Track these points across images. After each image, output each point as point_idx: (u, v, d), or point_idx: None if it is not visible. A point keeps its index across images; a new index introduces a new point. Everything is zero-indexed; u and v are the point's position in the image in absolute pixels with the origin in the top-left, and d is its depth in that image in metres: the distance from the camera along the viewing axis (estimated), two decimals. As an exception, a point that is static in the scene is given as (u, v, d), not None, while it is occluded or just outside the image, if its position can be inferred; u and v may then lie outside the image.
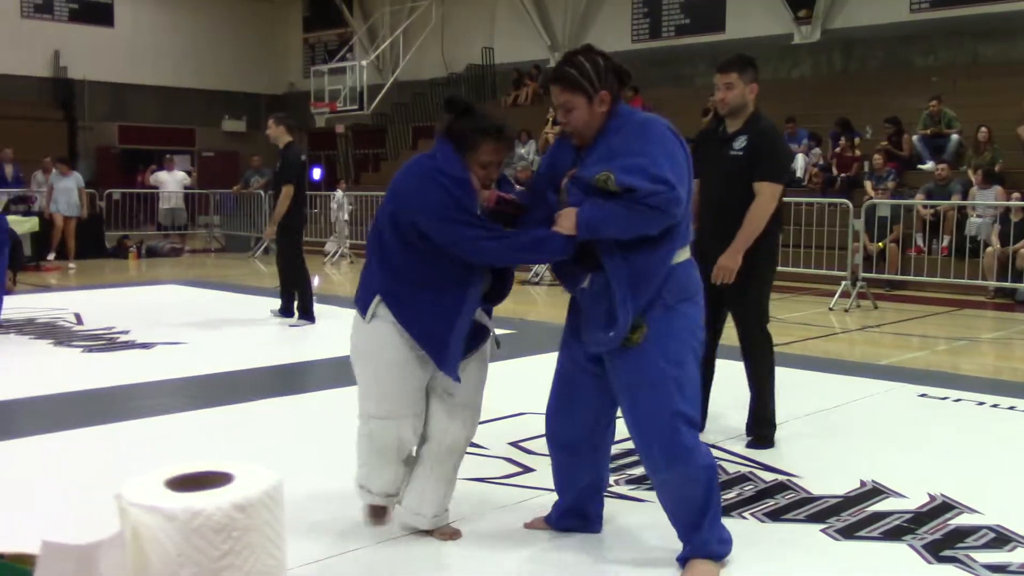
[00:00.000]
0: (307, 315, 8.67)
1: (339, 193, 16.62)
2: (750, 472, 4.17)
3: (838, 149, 13.70)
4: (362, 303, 3.47)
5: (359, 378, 3.53)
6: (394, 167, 21.13)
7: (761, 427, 4.64)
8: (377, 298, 3.38)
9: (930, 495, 3.85)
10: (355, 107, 21.95)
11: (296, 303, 8.73)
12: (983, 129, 12.42)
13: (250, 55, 27.18)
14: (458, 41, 23.17)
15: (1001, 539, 3.39)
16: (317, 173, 21.42)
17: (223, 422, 5.04)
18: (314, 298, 8.89)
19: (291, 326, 8.56)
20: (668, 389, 2.97)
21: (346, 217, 16.54)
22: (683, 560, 3.08)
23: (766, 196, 4.40)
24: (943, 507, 3.72)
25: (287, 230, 8.55)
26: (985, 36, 15.95)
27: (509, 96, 21.71)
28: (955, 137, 13.00)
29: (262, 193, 17.78)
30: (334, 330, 8.79)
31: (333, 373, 6.44)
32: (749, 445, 4.58)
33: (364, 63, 22.16)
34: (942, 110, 13.27)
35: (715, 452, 4.42)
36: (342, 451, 4.49)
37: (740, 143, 4.47)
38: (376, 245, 3.35)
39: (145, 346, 7.34)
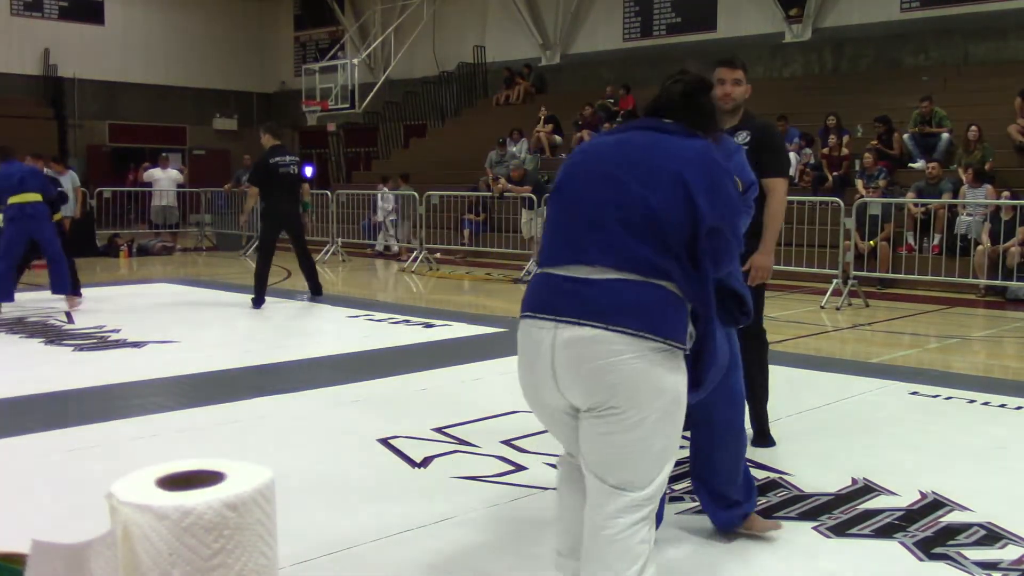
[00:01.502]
0: (257, 299, 9.65)
1: (386, 191, 16.27)
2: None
3: (827, 149, 13.73)
4: (671, 327, 2.47)
5: (665, 436, 2.48)
6: (385, 166, 21.16)
7: (762, 425, 4.65)
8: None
9: (921, 493, 3.86)
10: (346, 105, 21.91)
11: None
12: (973, 128, 12.46)
13: (241, 53, 27.14)
14: (450, 39, 23.15)
15: (992, 536, 3.40)
16: (309, 171, 21.37)
17: (215, 420, 5.03)
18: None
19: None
20: None
21: (393, 217, 16.08)
22: None
23: (781, 191, 4.42)
24: (934, 505, 3.73)
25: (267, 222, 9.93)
26: (975, 35, 15.99)
27: (500, 95, 21.72)
28: (945, 136, 13.03)
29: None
30: (325, 330, 8.79)
31: (325, 372, 6.43)
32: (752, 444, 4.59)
33: (355, 61, 22.12)
34: (933, 109, 13.30)
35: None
36: (334, 449, 4.50)
37: (742, 138, 4.42)
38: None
39: (136, 345, 7.32)
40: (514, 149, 17.17)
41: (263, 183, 9.78)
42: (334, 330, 8.62)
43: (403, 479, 4.05)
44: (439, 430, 4.77)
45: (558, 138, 18.22)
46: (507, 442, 4.56)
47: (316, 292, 10.15)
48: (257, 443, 4.60)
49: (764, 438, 4.60)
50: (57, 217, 9.61)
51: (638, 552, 2.43)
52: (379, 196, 16.08)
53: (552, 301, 2.51)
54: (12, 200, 8.93)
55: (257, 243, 16.91)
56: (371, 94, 22.18)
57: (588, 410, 2.46)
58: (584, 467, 2.54)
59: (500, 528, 3.47)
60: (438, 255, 15.30)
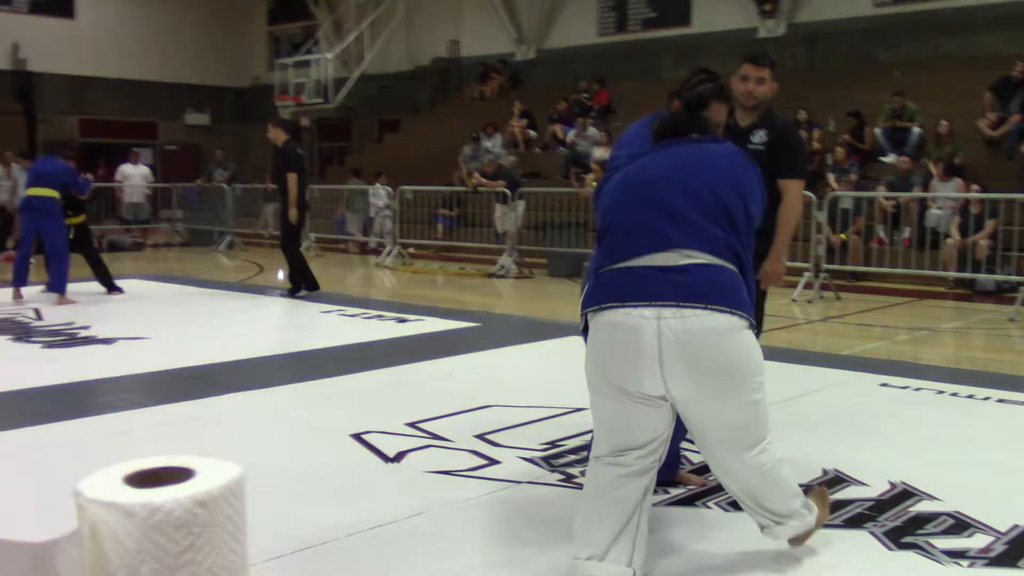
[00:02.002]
0: (311, 286, 10.05)
1: (379, 187, 16.02)
2: (714, 462, 4.19)
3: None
4: (745, 303, 2.79)
5: (760, 402, 2.83)
6: (359, 161, 21.08)
7: None
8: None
9: (891, 483, 3.89)
10: (320, 100, 21.82)
11: (292, 282, 10.12)
12: (944, 122, 12.56)
13: (214, 48, 26.93)
14: (424, 34, 23.09)
15: (960, 525, 3.44)
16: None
17: (185, 417, 4.99)
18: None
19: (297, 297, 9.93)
20: None
21: (387, 213, 15.70)
22: None
23: (796, 193, 4.33)
24: (903, 495, 3.77)
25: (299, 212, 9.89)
26: (947, 30, 16.12)
27: (475, 89, 21.68)
28: (916, 130, 13.13)
29: (225, 187, 17.65)
30: (297, 325, 8.76)
31: (297, 367, 6.41)
32: None
33: (329, 56, 22.04)
34: (904, 104, 13.40)
35: (682, 441, 4.44)
36: (306, 445, 4.48)
37: (759, 137, 4.34)
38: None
39: (106, 341, 7.26)
40: (488, 144, 17.15)
41: (302, 172, 9.95)
42: (307, 325, 8.59)
43: (376, 474, 4.04)
44: (412, 425, 4.76)
45: (533, 133, 18.22)
46: (481, 436, 4.56)
47: (313, 287, 10.17)
48: (228, 439, 4.57)
49: None
50: (73, 220, 9.77)
51: (790, 482, 2.98)
52: (370, 192, 15.92)
53: (648, 289, 2.68)
54: (26, 192, 9.49)
55: (230, 240, 17.00)
56: (345, 89, 22.09)
57: (692, 394, 2.68)
58: (707, 446, 2.88)
59: (474, 522, 3.47)
60: (411, 250, 15.27)
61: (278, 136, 9.98)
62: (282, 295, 10.19)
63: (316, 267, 13.63)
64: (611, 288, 2.75)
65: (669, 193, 2.81)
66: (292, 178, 9.73)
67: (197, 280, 11.85)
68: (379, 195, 15.74)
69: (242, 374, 6.13)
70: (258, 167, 23.19)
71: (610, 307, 2.72)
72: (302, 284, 10.10)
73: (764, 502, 2.95)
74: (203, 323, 8.51)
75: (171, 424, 4.85)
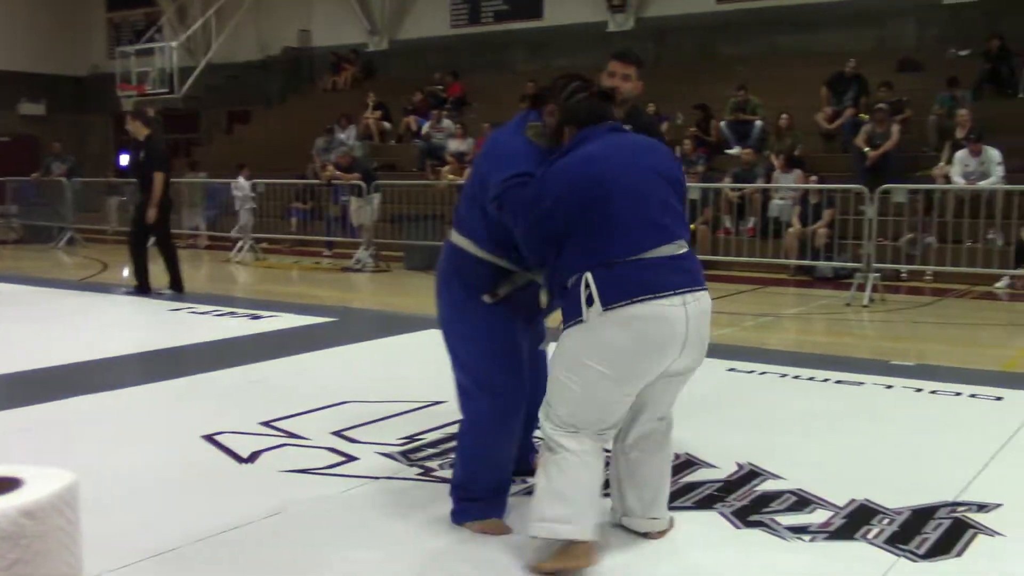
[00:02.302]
0: (142, 288, 9.57)
1: (241, 180, 15.34)
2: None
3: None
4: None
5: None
6: (208, 153, 20.48)
7: None
8: None
9: (738, 464, 4.04)
10: (165, 90, 21.07)
11: (139, 280, 9.63)
12: (784, 116, 13.11)
13: (49, 34, 25.60)
14: (274, 23, 22.57)
15: (802, 502, 3.60)
16: (125, 159, 20.46)
17: (22, 424, 4.74)
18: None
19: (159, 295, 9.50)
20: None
21: (250, 206, 15.11)
22: None
23: None
24: (750, 475, 3.91)
25: (161, 212, 9.50)
26: (787, 27, 16.82)
27: (327, 80, 21.35)
28: (758, 123, 13.65)
29: (64, 180, 16.84)
30: (145, 323, 8.45)
31: (143, 368, 6.18)
32: None
33: (174, 44, 21.31)
34: (747, 97, 13.91)
35: (536, 432, 4.48)
36: (155, 448, 4.32)
37: None
38: None
39: (-66, 345, 6.83)
40: (342, 136, 16.93)
41: (167, 169, 9.65)
42: (155, 324, 8.29)
43: (230, 476, 3.93)
44: (267, 424, 4.66)
45: (387, 124, 18.08)
46: (338, 433, 4.50)
47: (178, 288, 9.70)
48: (69, 445, 4.37)
49: None
50: None
51: None
52: (233, 185, 15.39)
53: (671, 279, 2.88)
54: None
55: (70, 236, 16.23)
56: (191, 78, 21.41)
57: (686, 367, 3.01)
58: (653, 418, 3.16)
59: (331, 521, 3.42)
60: (264, 244, 14.94)
61: (139, 130, 9.58)
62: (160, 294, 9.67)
63: (162, 263, 13.19)
64: (640, 280, 2.85)
65: (655, 184, 3.00)
66: (159, 177, 9.34)
67: (35, 279, 11.26)
68: (242, 188, 15.29)
69: (86, 376, 5.86)
70: (99, 159, 22.25)
71: (642, 300, 2.82)
72: (137, 283, 9.65)
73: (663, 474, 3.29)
74: (42, 323, 8.10)
75: (6, 432, 4.60)
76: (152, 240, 9.78)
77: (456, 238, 3.34)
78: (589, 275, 2.86)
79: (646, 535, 3.25)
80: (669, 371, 2.97)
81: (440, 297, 3.39)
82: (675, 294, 2.87)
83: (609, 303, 2.83)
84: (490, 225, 3.22)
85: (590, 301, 2.85)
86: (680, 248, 2.95)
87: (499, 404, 3.28)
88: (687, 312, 2.88)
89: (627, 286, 2.84)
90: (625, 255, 2.87)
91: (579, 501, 2.92)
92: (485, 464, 3.34)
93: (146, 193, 9.41)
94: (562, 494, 2.91)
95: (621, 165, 2.99)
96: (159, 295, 9.51)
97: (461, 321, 3.32)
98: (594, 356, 2.88)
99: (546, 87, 3.34)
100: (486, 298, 3.24)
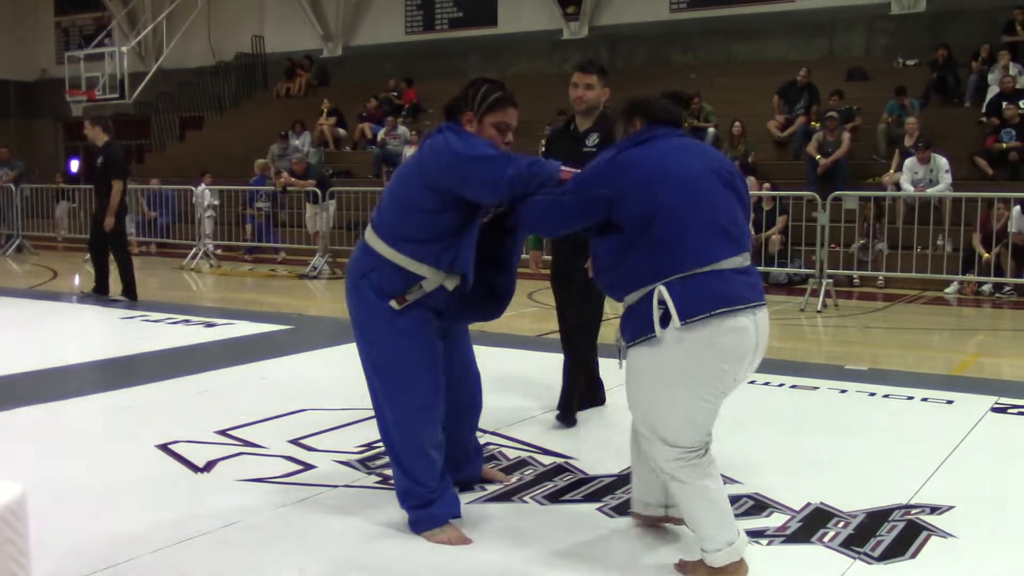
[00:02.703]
0: (101, 290, 9.61)
1: (202, 187, 15.13)
2: (530, 457, 4.26)
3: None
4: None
5: None
6: (160, 159, 20.24)
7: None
8: None
9: (696, 469, 4.06)
10: (116, 95, 20.77)
11: (99, 283, 9.66)
12: (737, 123, 13.24)
13: (-5, 38, 25.17)
14: (226, 28, 22.36)
15: (759, 506, 3.63)
16: (75, 165, 20.15)
17: (-28, 435, 4.64)
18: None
19: (113, 302, 9.43)
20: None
21: (211, 214, 14.98)
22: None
23: None
24: (708, 480, 3.93)
25: (117, 219, 9.46)
26: (738, 36, 17.01)
27: (281, 86, 21.19)
28: (712, 130, 13.78)
29: (12, 187, 16.54)
30: (97, 332, 8.32)
31: (96, 377, 6.08)
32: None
33: (124, 49, 21.01)
34: (701, 105, 14.03)
35: (495, 439, 4.50)
36: (108, 459, 4.25)
37: (593, 140, 4.67)
38: None
39: None
40: (297, 142, 16.82)
41: (126, 176, 9.73)
42: (107, 332, 8.17)
43: (185, 485, 3.88)
44: (222, 432, 4.61)
45: (342, 131, 17.99)
46: (295, 441, 4.47)
47: (131, 295, 9.63)
48: (20, 456, 4.28)
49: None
50: None
51: None
52: (196, 192, 15.18)
53: (743, 293, 2.86)
54: None
55: (19, 243, 15.92)
56: (143, 84, 21.13)
57: (747, 376, 3.00)
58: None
59: (288, 529, 3.39)
60: (219, 251, 14.79)
61: (99, 136, 9.55)
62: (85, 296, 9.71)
63: (115, 270, 13.00)
64: (718, 291, 2.81)
65: (723, 193, 2.95)
66: (118, 185, 9.33)
67: (-19, 287, 11.04)
68: (204, 195, 15.10)
69: (35, 386, 5.75)
70: (48, 165, 21.88)
71: (721, 313, 2.80)
72: (96, 286, 9.68)
73: None
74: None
75: (-46, 443, 4.50)
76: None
77: (372, 240, 3.32)
78: (663, 289, 2.80)
79: (664, 521, 3.34)
80: (739, 380, 3.00)
81: (349, 298, 3.38)
82: (748, 307, 2.86)
83: (688, 317, 2.78)
84: (417, 228, 3.21)
85: (666, 318, 2.80)
86: (746, 261, 2.95)
87: (416, 401, 3.29)
88: (756, 323, 2.89)
89: (707, 297, 2.79)
90: (700, 264, 2.81)
91: (729, 522, 2.94)
92: (418, 458, 3.31)
93: (104, 199, 9.37)
94: (716, 519, 2.92)
95: (694, 170, 2.92)
96: (113, 302, 9.40)
97: (372, 323, 3.30)
98: (681, 377, 2.85)
99: (457, 97, 3.33)
100: (393, 304, 3.24)
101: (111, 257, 9.69)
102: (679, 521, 3.26)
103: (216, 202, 15.05)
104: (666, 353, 2.84)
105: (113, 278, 9.65)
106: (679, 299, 2.79)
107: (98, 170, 9.55)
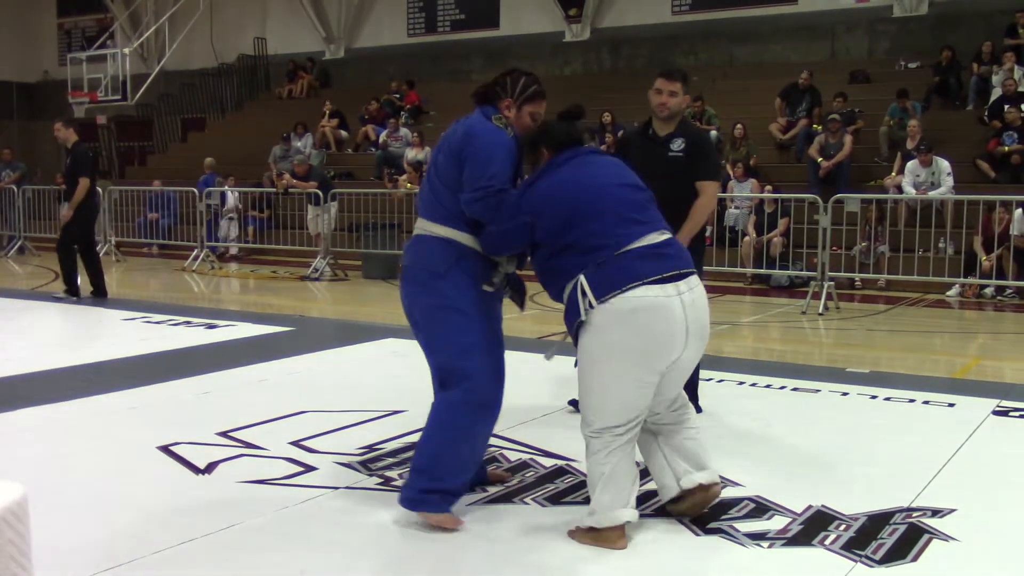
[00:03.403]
0: (71, 290, 9.74)
1: (226, 189, 15.19)
2: (531, 459, 4.26)
3: (604, 146, 14.22)
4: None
5: None
6: (162, 161, 20.25)
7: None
8: None
9: (697, 471, 4.06)
10: (118, 97, 20.78)
11: (68, 284, 9.75)
12: (739, 126, 13.24)
13: (-2, 40, 25.20)
14: (228, 30, 22.39)
15: (760, 509, 3.63)
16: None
17: (-27, 436, 4.64)
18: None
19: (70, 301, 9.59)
20: None
21: (233, 215, 15.06)
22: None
23: (711, 193, 4.80)
24: (709, 482, 3.93)
25: (84, 216, 9.72)
26: (740, 39, 17.02)
27: (283, 88, 21.22)
28: (714, 133, 13.77)
29: (14, 189, 16.55)
30: (98, 333, 8.32)
31: (98, 378, 6.08)
32: None
33: (126, 51, 21.02)
34: (703, 107, 14.03)
35: (496, 441, 4.49)
36: (110, 460, 4.25)
37: (678, 145, 4.78)
38: None
39: None
40: (299, 144, 16.84)
41: (93, 175, 9.84)
42: (108, 333, 8.17)
43: (186, 487, 3.88)
44: (224, 434, 4.61)
45: (344, 133, 18.00)
46: (296, 443, 4.46)
47: (101, 294, 9.82)
48: (22, 457, 4.28)
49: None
50: None
51: None
52: (228, 192, 15.18)
53: (656, 265, 3.07)
54: None
55: (20, 244, 15.92)
56: (145, 85, 21.15)
57: (691, 357, 3.21)
58: (664, 404, 3.32)
59: (290, 531, 3.39)
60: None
61: (69, 136, 9.79)
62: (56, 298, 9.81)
63: (116, 272, 13.04)
64: (625, 269, 3.06)
65: (626, 193, 3.24)
66: (83, 183, 9.52)
67: (-17, 288, 11.05)
68: (227, 198, 15.12)
69: (38, 387, 5.75)
70: (50, 167, 21.90)
71: (631, 288, 3.04)
72: (67, 287, 9.81)
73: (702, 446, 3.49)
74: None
75: (-44, 444, 4.50)
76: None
77: (444, 231, 3.40)
78: (582, 277, 3.10)
79: (706, 489, 3.40)
80: (678, 362, 3.17)
81: (429, 286, 3.41)
82: (664, 281, 3.07)
83: (601, 296, 3.05)
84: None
85: (586, 302, 3.08)
86: (662, 235, 3.18)
87: (474, 395, 3.37)
88: (682, 301, 3.09)
89: (615, 277, 3.05)
90: (610, 250, 3.09)
91: (624, 488, 3.19)
92: (453, 453, 3.37)
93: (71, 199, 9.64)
94: (609, 485, 3.18)
95: (594, 186, 3.23)
96: (80, 300, 9.64)
97: (465, 307, 3.40)
98: (605, 355, 3.10)
99: (493, 83, 3.54)
100: (487, 287, 3.43)
101: (80, 257, 9.85)
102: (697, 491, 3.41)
103: (239, 205, 15.10)
104: (592, 334, 3.12)
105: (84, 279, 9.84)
106: (593, 284, 3.08)
107: (68, 169, 9.85)
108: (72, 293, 9.71)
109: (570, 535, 3.29)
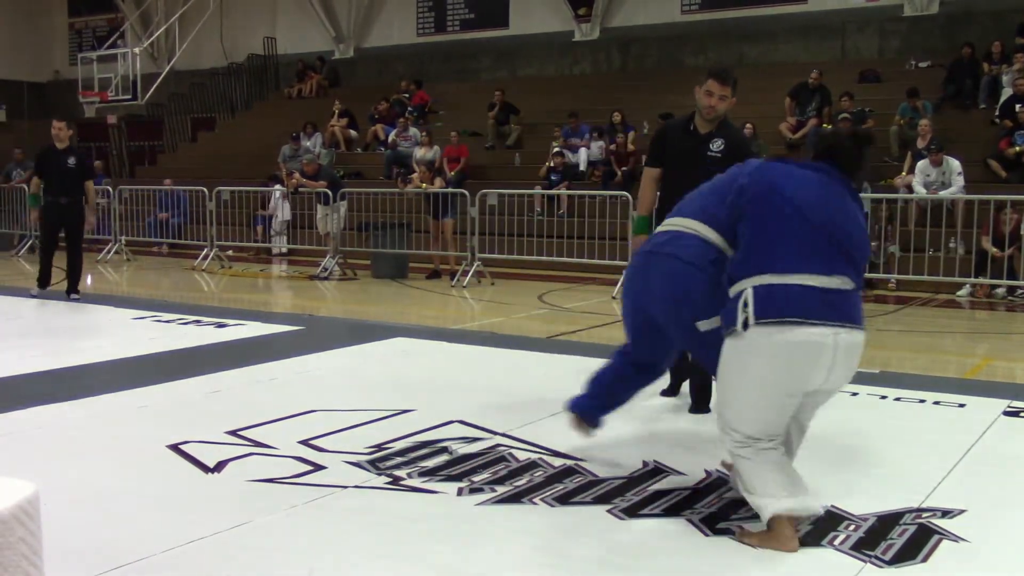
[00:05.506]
0: (42, 282, 10.08)
1: (275, 190, 15.20)
2: (540, 459, 4.26)
3: (614, 145, 14.22)
4: None
5: None
6: (172, 160, 20.31)
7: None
8: None
9: (706, 471, 4.06)
10: (128, 97, 20.87)
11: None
12: (748, 125, 13.20)
13: (9, 39, 25.30)
14: (238, 30, 22.46)
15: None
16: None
17: (-16, 434, 4.66)
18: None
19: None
20: None
21: (286, 217, 15.27)
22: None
23: None
24: (718, 482, 3.93)
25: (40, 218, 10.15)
26: (749, 38, 16.99)
27: (293, 88, 21.27)
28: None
29: (26, 188, 16.61)
30: (109, 332, 8.35)
31: (108, 377, 6.11)
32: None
33: (137, 50, 21.11)
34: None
35: (505, 441, 4.50)
36: (120, 458, 4.27)
37: (718, 145, 4.85)
38: None
39: None
40: (308, 143, 16.87)
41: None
42: (119, 332, 8.19)
43: (196, 486, 3.89)
44: (233, 433, 4.62)
45: (353, 132, 18.04)
46: (305, 442, 4.47)
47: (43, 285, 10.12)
48: (33, 456, 4.30)
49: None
50: None
51: None
52: (275, 192, 15.23)
53: (824, 311, 3.14)
54: None
55: (31, 243, 16.01)
56: (155, 85, 21.22)
57: (830, 390, 3.36)
58: (799, 428, 3.49)
59: (298, 530, 3.40)
60: (230, 252, 14.84)
61: (67, 137, 10.01)
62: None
63: (127, 271, 13.09)
64: (792, 301, 3.14)
65: (834, 225, 3.25)
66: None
67: (-6, 287, 11.10)
68: (276, 201, 15.19)
69: (47, 385, 5.77)
70: (61, 167, 21.95)
71: (793, 322, 3.12)
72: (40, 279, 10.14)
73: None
74: (5, 331, 7.97)
75: (-33, 442, 4.52)
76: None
77: (705, 231, 3.56)
78: (750, 291, 3.17)
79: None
80: (816, 392, 3.29)
81: (695, 278, 3.54)
82: (825, 324, 3.13)
83: (763, 317, 3.12)
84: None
85: (746, 319, 3.15)
86: (842, 284, 3.20)
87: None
88: (836, 341, 3.15)
89: (781, 305, 3.13)
90: (783, 271, 3.15)
91: (793, 487, 3.25)
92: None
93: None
94: (778, 481, 3.24)
95: (815, 197, 3.24)
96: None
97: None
98: (751, 370, 3.20)
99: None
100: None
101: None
102: None
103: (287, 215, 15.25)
104: (740, 347, 3.21)
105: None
106: (759, 301, 3.14)
107: (72, 171, 9.84)
108: (42, 285, 10.06)
109: (739, 538, 3.31)
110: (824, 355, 3.14)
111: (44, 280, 10.01)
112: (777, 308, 3.12)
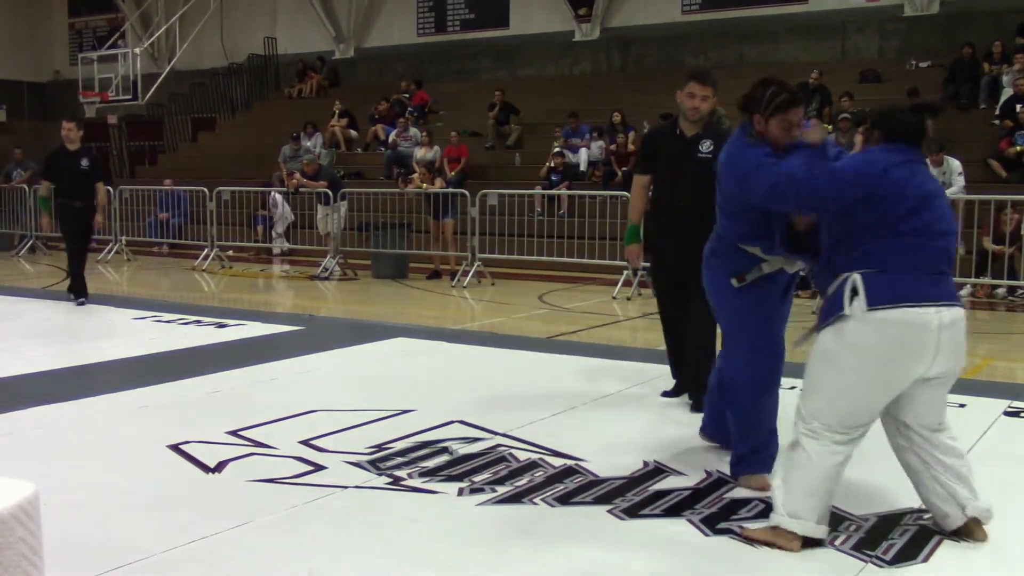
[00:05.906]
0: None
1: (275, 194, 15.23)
2: (540, 459, 4.26)
3: (614, 145, 14.21)
4: None
5: None
6: (172, 160, 20.31)
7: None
8: None
9: (707, 471, 4.06)
10: (128, 97, 20.87)
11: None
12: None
13: (9, 39, 25.29)
14: (239, 30, 22.45)
15: (770, 508, 3.60)
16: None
17: (-15, 434, 4.66)
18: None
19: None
20: None
21: (291, 219, 15.35)
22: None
23: None
24: (719, 482, 3.93)
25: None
26: (749, 38, 16.98)
27: (293, 88, 21.26)
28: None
29: (26, 188, 16.62)
30: (110, 332, 8.35)
31: (109, 377, 6.11)
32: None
33: (137, 51, 21.11)
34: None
35: (506, 441, 4.50)
36: (121, 458, 4.27)
37: (707, 146, 4.89)
38: None
39: None
40: (308, 144, 16.86)
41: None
42: (119, 332, 8.19)
43: (196, 485, 3.90)
44: (234, 433, 4.62)
45: (353, 132, 18.03)
46: (305, 442, 4.47)
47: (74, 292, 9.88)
48: (33, 456, 4.30)
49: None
50: None
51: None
52: (274, 194, 15.23)
53: (929, 292, 3.12)
54: None
55: (31, 243, 16.02)
56: (155, 85, 21.22)
57: (941, 372, 3.17)
58: (923, 426, 3.30)
59: (299, 531, 3.40)
60: (230, 253, 14.84)
61: (77, 138, 9.79)
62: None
63: (127, 271, 13.09)
64: (906, 287, 3.12)
65: (941, 223, 3.23)
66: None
67: (-5, 287, 11.10)
68: (278, 202, 15.21)
69: (48, 385, 5.77)
70: (61, 167, 21.96)
71: (904, 306, 3.09)
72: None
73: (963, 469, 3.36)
74: (7, 332, 7.97)
75: (-32, 442, 4.52)
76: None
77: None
78: (858, 277, 3.13)
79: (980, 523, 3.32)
80: (925, 376, 3.16)
81: (703, 273, 3.97)
82: (930, 305, 3.10)
83: (875, 304, 3.08)
84: (736, 225, 3.75)
85: (854, 302, 3.11)
86: (938, 271, 3.19)
87: (754, 370, 3.84)
88: (940, 319, 3.10)
89: (896, 291, 3.10)
90: (898, 268, 3.12)
91: (809, 498, 3.20)
92: (749, 421, 3.86)
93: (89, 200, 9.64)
94: (798, 489, 3.22)
95: (928, 190, 3.22)
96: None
97: (718, 294, 3.88)
98: (848, 356, 3.14)
99: (750, 93, 3.77)
100: (733, 282, 3.68)
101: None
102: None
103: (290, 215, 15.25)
104: (844, 335, 3.15)
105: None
106: (869, 286, 3.10)
107: (84, 172, 9.60)
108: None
109: (745, 535, 3.33)
110: (929, 335, 3.08)
111: (82, 287, 9.55)
112: (887, 294, 3.09)
